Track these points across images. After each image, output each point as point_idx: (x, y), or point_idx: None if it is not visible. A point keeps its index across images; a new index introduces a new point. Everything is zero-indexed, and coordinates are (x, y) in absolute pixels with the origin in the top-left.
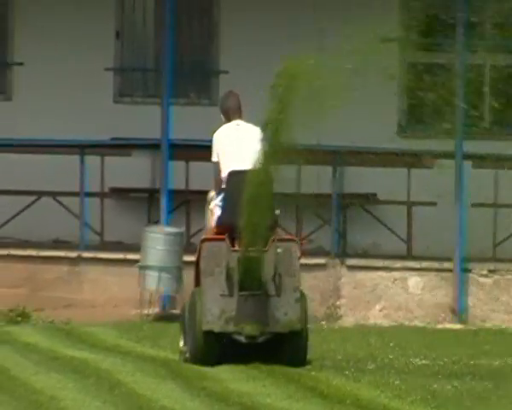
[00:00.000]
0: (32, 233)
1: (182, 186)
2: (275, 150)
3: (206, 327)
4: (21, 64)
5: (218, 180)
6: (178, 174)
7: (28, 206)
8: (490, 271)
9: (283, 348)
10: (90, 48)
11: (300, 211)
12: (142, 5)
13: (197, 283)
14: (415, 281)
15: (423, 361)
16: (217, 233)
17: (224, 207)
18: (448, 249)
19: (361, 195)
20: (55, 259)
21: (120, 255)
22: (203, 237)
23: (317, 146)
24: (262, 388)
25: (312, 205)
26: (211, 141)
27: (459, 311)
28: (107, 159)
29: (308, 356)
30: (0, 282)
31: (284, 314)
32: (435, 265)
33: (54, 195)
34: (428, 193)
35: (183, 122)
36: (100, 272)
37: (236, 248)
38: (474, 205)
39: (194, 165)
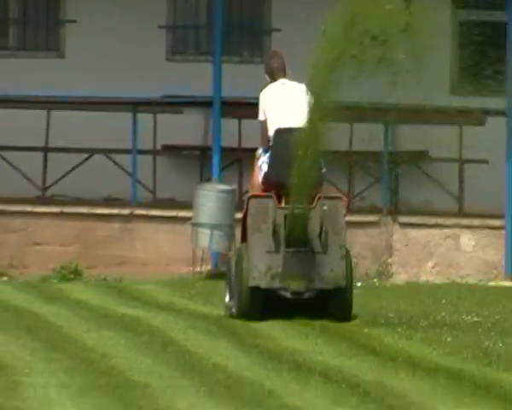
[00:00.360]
0: (84, 191)
1: (234, 144)
2: (321, 107)
3: (252, 283)
4: (74, 21)
5: (265, 138)
6: (230, 132)
7: (81, 163)
8: None
9: (329, 304)
10: (142, 5)
11: (352, 169)
12: None
13: (244, 239)
14: (466, 238)
15: (475, 318)
16: (264, 190)
17: (270, 165)
18: (499, 207)
19: (413, 152)
20: (108, 216)
21: (173, 213)
22: (250, 193)
23: (368, 103)
24: (314, 346)
25: (364, 162)
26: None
27: (510, 268)
28: (160, 116)
29: (360, 314)
30: (53, 239)
31: (330, 271)
32: (487, 222)
33: (106, 152)
34: (480, 150)
35: (236, 80)
36: (152, 229)
37: (283, 205)
38: None
39: (246, 123)
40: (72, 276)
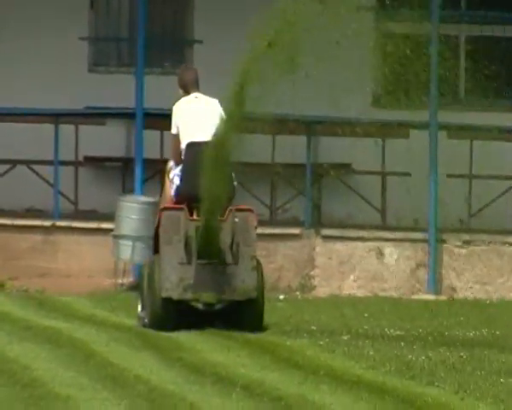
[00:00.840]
0: (5, 201)
1: (156, 155)
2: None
3: (164, 294)
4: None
5: (177, 151)
6: (153, 143)
7: (3, 174)
8: (464, 241)
9: (240, 315)
10: (64, 17)
11: (275, 181)
12: None
13: (156, 250)
14: (389, 251)
15: (397, 332)
16: (176, 203)
17: (182, 178)
18: (422, 220)
19: (336, 165)
20: (29, 228)
21: (94, 224)
22: (162, 206)
23: (291, 116)
24: (237, 358)
25: (287, 174)
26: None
27: (432, 282)
28: (82, 127)
29: (283, 326)
30: None
31: (241, 282)
32: (409, 235)
33: (28, 163)
34: (403, 163)
35: (158, 92)
36: (74, 241)
37: (195, 217)
38: (448, 176)
39: (168, 134)
40: None
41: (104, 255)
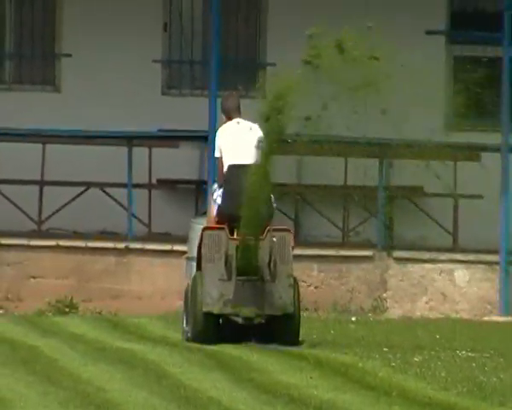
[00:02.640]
0: (80, 224)
1: None
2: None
3: (205, 309)
4: (69, 55)
5: (221, 174)
6: None
7: (76, 197)
8: None
9: (277, 330)
10: (138, 40)
11: (347, 203)
12: None
13: (199, 267)
14: (461, 274)
15: (469, 354)
16: (218, 222)
17: (223, 199)
18: (494, 242)
19: (407, 187)
20: (103, 250)
21: (168, 247)
22: (205, 225)
23: (364, 138)
24: (309, 379)
25: (359, 197)
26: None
27: (504, 303)
28: (155, 150)
29: (355, 348)
30: (48, 272)
31: (278, 298)
32: (481, 257)
33: (102, 186)
34: (475, 186)
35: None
36: (147, 263)
37: (235, 236)
38: None
39: None
40: (67, 309)
41: (177, 277)
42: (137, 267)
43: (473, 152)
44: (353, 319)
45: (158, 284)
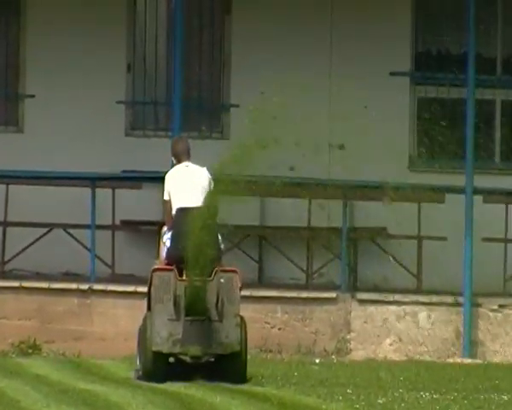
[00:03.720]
0: (43, 265)
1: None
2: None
3: (155, 348)
4: (33, 96)
5: (169, 217)
6: None
7: (39, 238)
8: (500, 305)
9: (225, 368)
10: (101, 81)
11: (311, 244)
12: (153, 38)
13: (149, 308)
14: (425, 315)
15: (433, 396)
16: (167, 264)
17: (172, 241)
18: (458, 284)
19: (371, 229)
20: (66, 291)
21: (131, 288)
22: (154, 267)
23: (327, 181)
24: None
25: (323, 238)
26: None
27: (468, 345)
28: (118, 191)
29: (318, 390)
30: (11, 314)
31: (225, 337)
32: (445, 299)
33: (65, 227)
34: (439, 228)
35: (195, 155)
36: (110, 304)
37: (184, 277)
38: (484, 240)
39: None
40: (30, 350)
41: (140, 319)
42: (100, 309)
43: (437, 193)
44: (317, 360)
45: (121, 325)
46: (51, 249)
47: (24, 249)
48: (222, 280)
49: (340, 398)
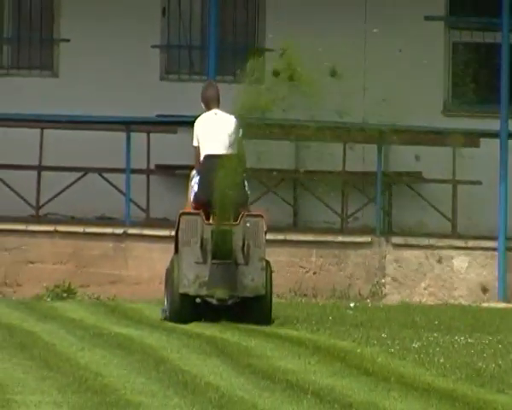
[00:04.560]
0: (78, 209)
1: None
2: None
3: (182, 290)
4: (68, 40)
5: (198, 162)
6: None
7: (74, 182)
8: None
9: (250, 310)
10: (136, 25)
11: (346, 189)
12: None
13: (176, 251)
14: (460, 260)
15: (468, 340)
16: (194, 208)
17: (200, 186)
18: (493, 228)
19: (406, 173)
20: (101, 235)
21: (166, 232)
22: (181, 210)
23: (363, 124)
24: (307, 365)
25: (358, 183)
26: (255, 118)
27: (502, 289)
28: (153, 135)
29: (353, 334)
30: (46, 258)
31: (251, 280)
32: (480, 243)
33: (100, 171)
34: (474, 172)
35: (230, 99)
36: (145, 248)
37: (211, 221)
38: None
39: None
40: (65, 294)
41: None
42: (135, 253)
43: (472, 138)
44: (352, 304)
45: (156, 269)
46: (86, 194)
47: (59, 194)
48: (248, 224)
49: (375, 342)
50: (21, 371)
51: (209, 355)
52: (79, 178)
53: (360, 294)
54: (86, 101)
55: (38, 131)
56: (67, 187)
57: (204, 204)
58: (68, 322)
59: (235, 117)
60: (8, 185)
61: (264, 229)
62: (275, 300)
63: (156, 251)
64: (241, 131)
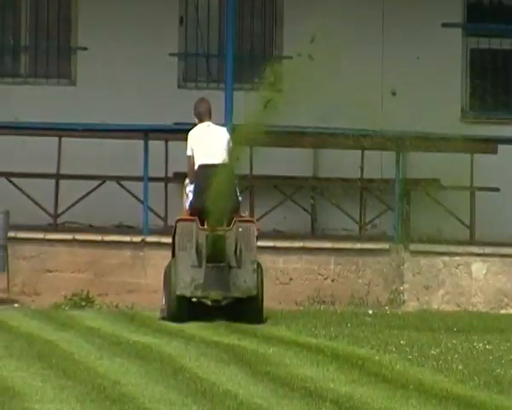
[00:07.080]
0: (96, 218)
1: (245, 170)
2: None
3: (179, 292)
4: (85, 49)
5: (192, 171)
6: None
7: (92, 190)
8: None
9: (243, 310)
10: (154, 33)
11: (364, 196)
12: None
13: (173, 255)
14: (478, 266)
15: (486, 346)
16: (190, 215)
17: (194, 194)
18: (511, 235)
19: (424, 180)
20: (119, 243)
21: None
22: (178, 217)
23: (380, 132)
24: (326, 372)
25: (375, 190)
26: (272, 126)
27: None
28: (171, 143)
29: (372, 341)
30: (64, 266)
31: (243, 282)
32: (498, 250)
33: (118, 179)
34: (492, 179)
35: (247, 107)
36: (163, 256)
37: (205, 227)
38: None
39: (258, 149)
40: (83, 303)
41: None
42: (154, 261)
43: (489, 144)
44: (370, 311)
45: None
46: (104, 202)
47: (77, 202)
48: (240, 229)
49: (394, 349)
50: (40, 379)
51: (227, 363)
52: (97, 187)
53: (378, 301)
54: (104, 108)
55: (56, 139)
56: (85, 195)
57: (199, 211)
58: (86, 331)
59: (227, 129)
60: (26, 194)
61: (256, 234)
62: (293, 307)
63: None
64: (230, 142)
